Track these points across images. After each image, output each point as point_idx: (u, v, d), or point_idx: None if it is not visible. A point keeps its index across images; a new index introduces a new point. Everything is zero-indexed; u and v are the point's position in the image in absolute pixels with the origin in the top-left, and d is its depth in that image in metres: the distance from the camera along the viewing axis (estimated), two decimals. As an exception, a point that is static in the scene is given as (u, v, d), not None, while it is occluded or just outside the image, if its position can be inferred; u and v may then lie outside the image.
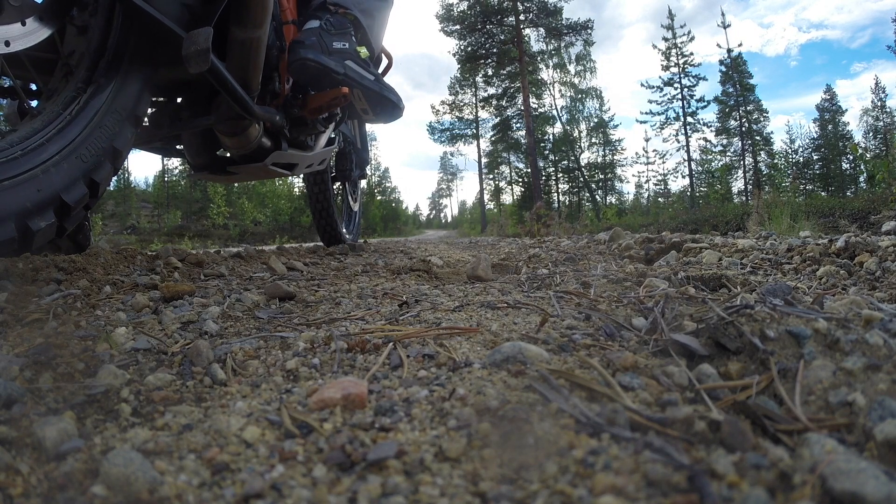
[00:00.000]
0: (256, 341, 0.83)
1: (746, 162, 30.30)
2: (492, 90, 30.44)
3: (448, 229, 51.28)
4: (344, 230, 3.44)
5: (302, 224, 22.59)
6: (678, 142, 31.43)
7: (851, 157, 28.52)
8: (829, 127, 32.04)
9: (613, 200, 34.01)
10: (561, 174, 34.66)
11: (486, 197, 36.90)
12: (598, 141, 34.57)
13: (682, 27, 35.02)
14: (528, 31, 26.09)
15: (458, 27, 26.03)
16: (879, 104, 31.88)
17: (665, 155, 40.38)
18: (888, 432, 0.44)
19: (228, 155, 2.06)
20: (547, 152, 33.57)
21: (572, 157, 33.79)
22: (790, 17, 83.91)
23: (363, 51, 1.99)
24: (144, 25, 1.24)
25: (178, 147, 2.16)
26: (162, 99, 1.80)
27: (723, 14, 30.40)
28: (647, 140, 42.54)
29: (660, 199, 32.86)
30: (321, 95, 2.05)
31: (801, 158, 32.59)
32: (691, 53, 30.55)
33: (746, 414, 0.54)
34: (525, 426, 0.46)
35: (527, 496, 0.39)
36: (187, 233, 17.74)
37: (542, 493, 0.39)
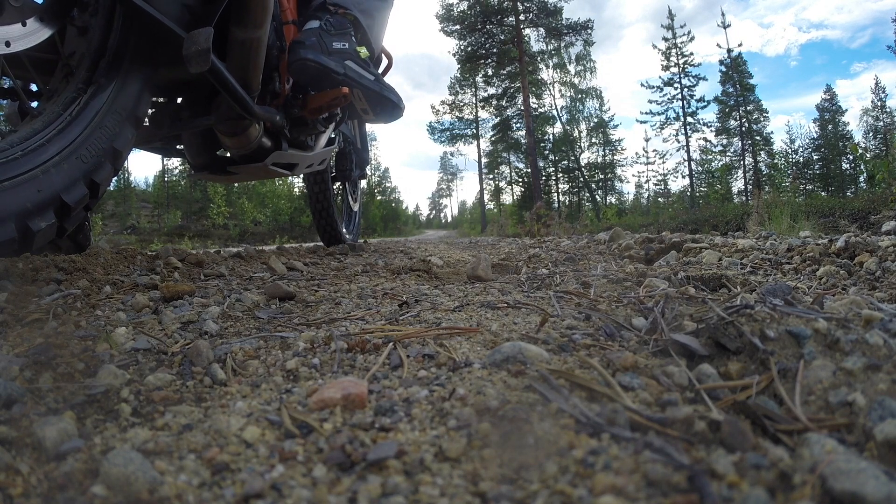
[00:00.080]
0: (256, 341, 0.83)
1: (746, 162, 30.32)
2: (492, 90, 30.49)
3: (448, 229, 51.28)
4: (344, 230, 3.44)
5: (302, 224, 22.60)
6: (678, 142, 31.46)
7: (851, 157, 28.53)
8: (829, 127, 32.05)
9: (613, 200, 34.06)
10: (561, 174, 34.67)
11: (486, 197, 36.96)
12: (598, 141, 34.60)
13: (682, 27, 35.10)
14: (528, 31, 26.11)
15: (458, 27, 26.03)
16: (879, 104, 31.90)
17: (665, 155, 40.46)
18: (888, 432, 0.44)
19: (228, 155, 2.06)
20: (547, 152, 33.57)
21: (572, 157, 33.80)
22: (790, 17, 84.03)
23: (363, 51, 1.99)
24: (145, 26, 1.24)
25: (178, 147, 2.16)
26: (162, 99, 1.80)
27: (723, 14, 30.46)
28: (647, 140, 42.60)
29: (660, 199, 32.89)
30: (321, 95, 2.05)
31: (801, 158, 32.62)
32: (691, 53, 30.59)
33: (746, 414, 0.54)
34: (525, 426, 0.46)
35: (527, 496, 0.39)
36: (187, 233, 17.75)
37: (542, 493, 0.39)
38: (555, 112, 33.18)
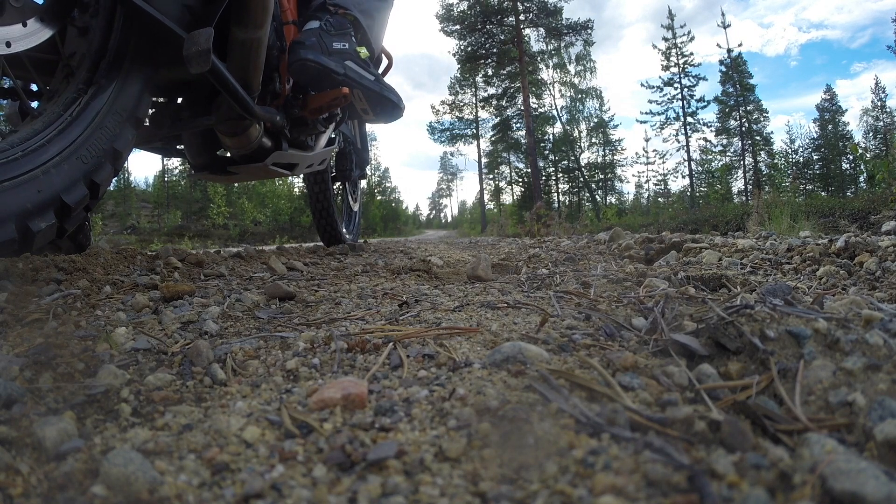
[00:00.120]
0: (256, 341, 0.83)
1: (746, 162, 30.32)
2: (492, 90, 30.49)
3: (448, 229, 51.29)
4: (344, 230, 3.44)
5: (302, 224, 22.60)
6: (678, 142, 31.46)
7: (851, 157, 28.52)
8: (829, 127, 32.04)
9: (613, 200, 34.06)
10: (561, 174, 34.67)
11: (486, 197, 36.97)
12: (598, 141, 34.60)
13: (682, 27, 35.08)
14: (528, 31, 26.11)
15: (458, 27, 26.04)
16: (879, 104, 31.90)
17: (665, 155, 40.46)
18: (888, 432, 0.44)
19: (229, 155, 2.06)
20: (547, 152, 33.58)
21: (572, 157, 33.80)
22: (790, 17, 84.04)
23: (363, 51, 2.00)
24: (145, 26, 1.24)
25: (178, 147, 2.17)
26: (162, 99, 1.80)
27: (723, 14, 30.46)
28: (647, 140, 42.61)
29: (660, 199, 32.89)
30: (321, 96, 2.05)
31: (801, 158, 32.62)
32: (691, 53, 30.59)
33: (746, 414, 0.54)
34: (525, 426, 0.46)
35: (527, 496, 0.39)
36: (187, 233, 17.75)
37: (542, 493, 0.39)
38: (555, 112, 33.22)
